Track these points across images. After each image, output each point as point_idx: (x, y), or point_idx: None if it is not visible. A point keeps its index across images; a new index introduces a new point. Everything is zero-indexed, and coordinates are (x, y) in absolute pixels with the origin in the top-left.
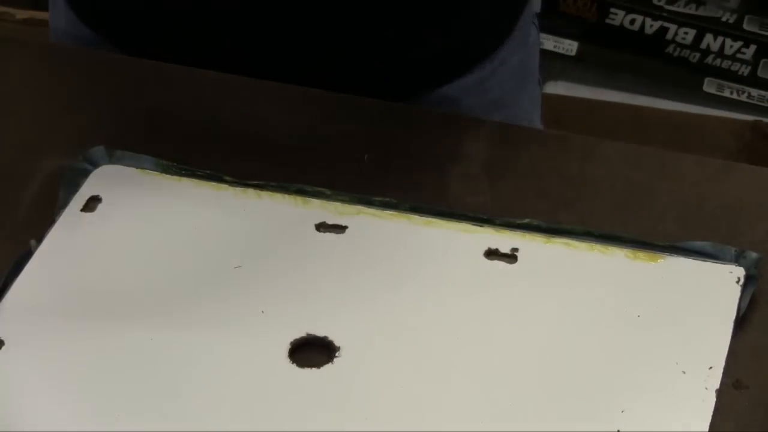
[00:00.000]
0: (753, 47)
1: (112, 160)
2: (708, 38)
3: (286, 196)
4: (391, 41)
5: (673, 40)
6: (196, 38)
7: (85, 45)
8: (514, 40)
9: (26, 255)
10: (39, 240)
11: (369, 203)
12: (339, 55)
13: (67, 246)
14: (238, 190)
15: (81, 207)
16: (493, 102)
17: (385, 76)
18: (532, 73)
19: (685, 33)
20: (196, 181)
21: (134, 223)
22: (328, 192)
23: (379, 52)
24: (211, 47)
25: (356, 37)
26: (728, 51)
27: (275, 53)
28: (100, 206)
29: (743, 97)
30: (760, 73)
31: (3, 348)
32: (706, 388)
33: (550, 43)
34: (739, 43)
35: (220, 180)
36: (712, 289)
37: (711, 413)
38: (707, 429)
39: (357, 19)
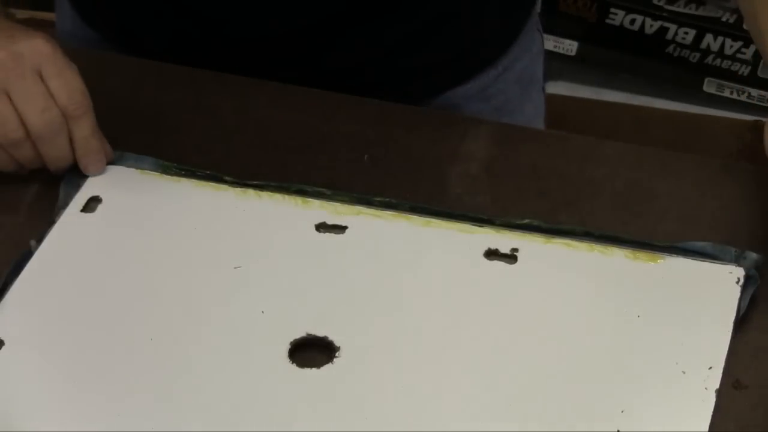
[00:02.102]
0: (753, 47)
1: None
2: (708, 38)
3: (286, 196)
4: (392, 45)
5: (673, 40)
6: (198, 37)
7: (90, 46)
8: (518, 47)
9: (26, 255)
10: (39, 240)
11: (369, 203)
12: (340, 57)
13: (67, 246)
14: (238, 190)
15: (81, 207)
16: (497, 109)
17: (385, 81)
18: (536, 81)
19: (685, 33)
20: (196, 181)
21: (134, 223)
22: (328, 192)
23: (381, 56)
24: (213, 47)
25: (358, 39)
26: (728, 51)
27: (276, 55)
28: (100, 207)
29: (743, 97)
30: (760, 73)
31: (3, 348)
32: (706, 388)
33: (550, 43)
34: (739, 43)
35: (220, 180)
36: (712, 289)
37: (711, 413)
38: (707, 429)
39: (358, 21)
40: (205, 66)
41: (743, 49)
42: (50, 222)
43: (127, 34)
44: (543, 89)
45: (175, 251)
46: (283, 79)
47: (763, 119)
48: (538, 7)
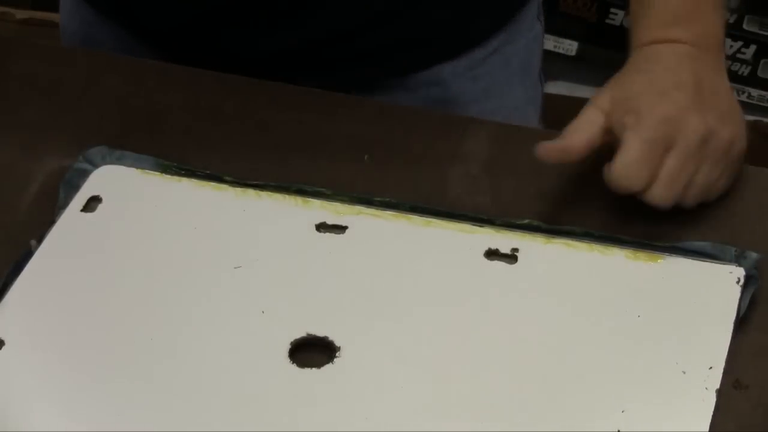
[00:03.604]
0: (753, 47)
1: (112, 160)
2: None
3: (286, 196)
4: (380, 13)
5: None
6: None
7: (97, 42)
8: (510, 32)
9: (26, 255)
10: (39, 240)
11: (369, 203)
12: (326, 26)
13: (67, 246)
14: (238, 190)
15: (81, 207)
16: (484, 90)
17: (372, 51)
18: (531, 68)
19: None
20: (196, 181)
21: (134, 223)
22: (328, 192)
23: (367, 25)
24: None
25: (344, 6)
26: (728, 51)
27: (259, 22)
28: (100, 206)
29: (743, 97)
30: (760, 73)
31: (3, 348)
32: (706, 388)
33: (550, 43)
34: (739, 43)
35: (220, 180)
36: (713, 289)
37: (711, 413)
38: (707, 429)
39: None
40: (192, 38)
41: (743, 49)
42: (50, 222)
43: (139, 25)
44: (540, 79)
45: (175, 251)
46: (275, 51)
47: (763, 119)
48: None
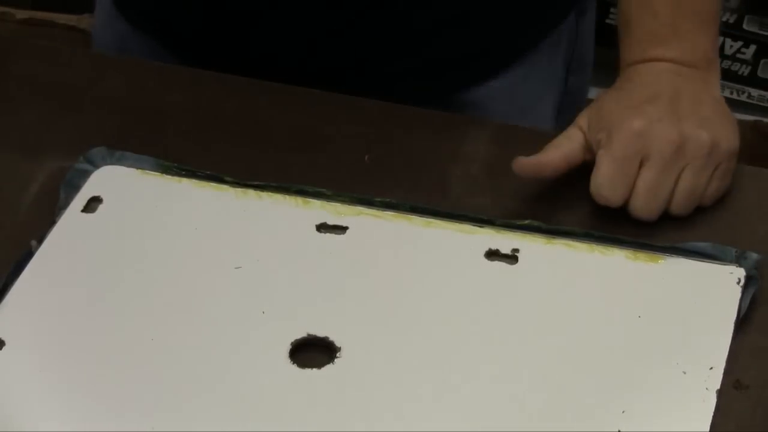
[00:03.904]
0: (753, 47)
1: (112, 160)
2: None
3: (287, 196)
4: (417, 35)
5: None
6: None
7: (123, 41)
8: (547, 46)
9: (27, 256)
10: (39, 241)
11: (369, 204)
12: (364, 47)
13: (68, 247)
14: (239, 190)
15: (81, 208)
16: (521, 109)
17: (409, 74)
18: (558, 81)
19: None
20: (197, 181)
21: (135, 223)
22: (328, 192)
23: (405, 47)
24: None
25: (382, 29)
26: (728, 51)
27: (300, 41)
28: (100, 207)
29: (743, 97)
30: (760, 73)
31: (3, 348)
32: (707, 389)
33: None
34: (739, 43)
35: (220, 181)
36: (713, 289)
37: (711, 413)
38: (708, 429)
39: (383, 9)
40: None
41: (743, 49)
42: (51, 222)
43: (160, 24)
44: (564, 92)
45: (175, 252)
46: (310, 70)
47: (763, 119)
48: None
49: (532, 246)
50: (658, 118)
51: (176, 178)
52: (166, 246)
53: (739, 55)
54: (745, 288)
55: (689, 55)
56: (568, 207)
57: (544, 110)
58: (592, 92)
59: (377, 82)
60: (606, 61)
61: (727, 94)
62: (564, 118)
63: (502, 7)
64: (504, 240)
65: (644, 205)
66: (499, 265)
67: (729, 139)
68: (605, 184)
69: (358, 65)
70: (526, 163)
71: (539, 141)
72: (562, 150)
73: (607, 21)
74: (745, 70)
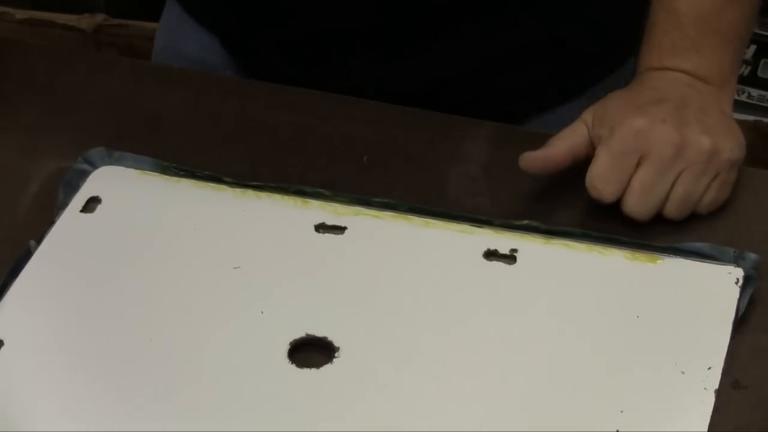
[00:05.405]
0: (753, 47)
1: (111, 161)
2: None
3: (286, 196)
4: (488, 61)
5: None
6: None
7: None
8: (621, 71)
9: (26, 255)
10: (38, 241)
11: (368, 204)
12: (439, 67)
13: (67, 247)
14: (238, 190)
15: (80, 208)
16: None
17: (481, 97)
18: None
19: None
20: (196, 181)
21: (134, 224)
22: (327, 193)
23: (479, 74)
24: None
25: (458, 55)
26: None
27: (373, 65)
28: (99, 207)
29: (743, 97)
30: (760, 73)
31: (2, 348)
32: (705, 389)
33: None
34: None
35: (219, 181)
36: (711, 290)
37: (710, 413)
38: (706, 429)
39: (461, 36)
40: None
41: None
42: (50, 222)
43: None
44: None
45: (174, 252)
46: (386, 90)
47: (763, 119)
48: None
49: (530, 246)
50: (661, 120)
51: (175, 179)
52: (164, 246)
53: None
54: (743, 288)
55: (705, 70)
56: (566, 207)
57: None
58: None
59: (449, 106)
60: None
61: None
62: None
63: (576, 42)
64: (502, 240)
65: (637, 203)
66: (497, 265)
67: (731, 149)
68: (599, 178)
69: (434, 90)
70: (533, 158)
71: (537, 142)
72: (567, 143)
73: None
74: (745, 70)
